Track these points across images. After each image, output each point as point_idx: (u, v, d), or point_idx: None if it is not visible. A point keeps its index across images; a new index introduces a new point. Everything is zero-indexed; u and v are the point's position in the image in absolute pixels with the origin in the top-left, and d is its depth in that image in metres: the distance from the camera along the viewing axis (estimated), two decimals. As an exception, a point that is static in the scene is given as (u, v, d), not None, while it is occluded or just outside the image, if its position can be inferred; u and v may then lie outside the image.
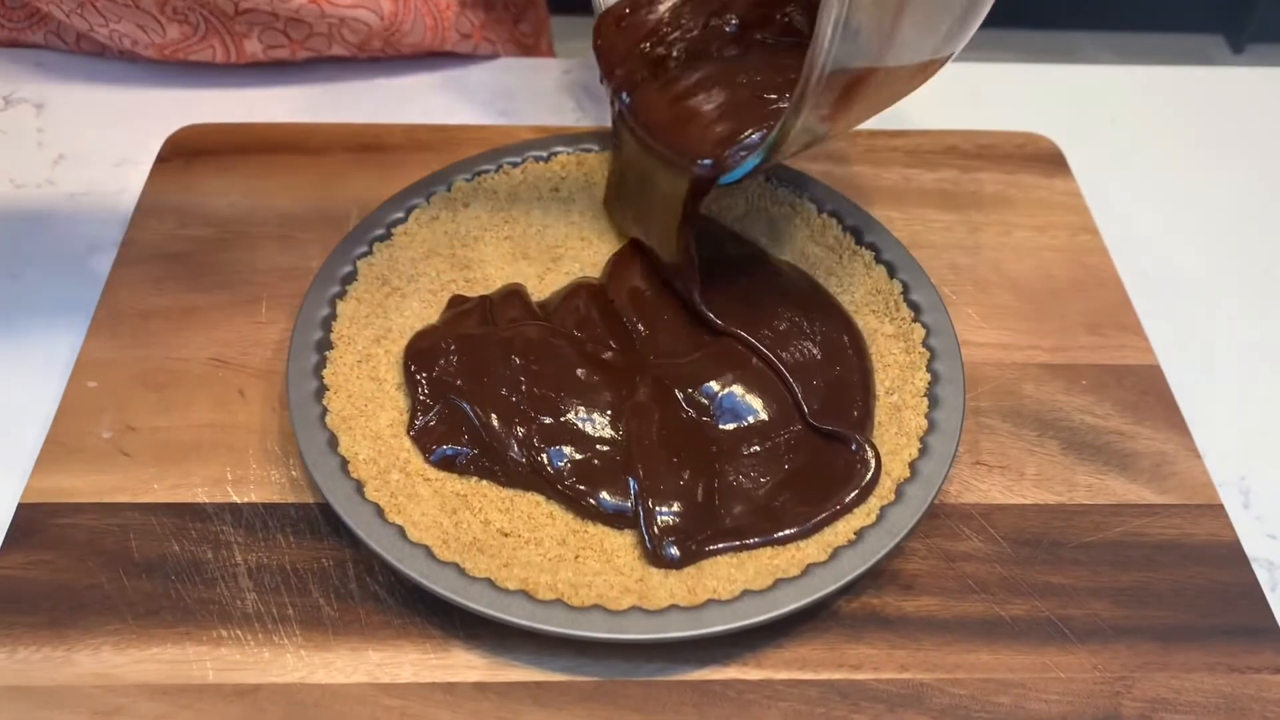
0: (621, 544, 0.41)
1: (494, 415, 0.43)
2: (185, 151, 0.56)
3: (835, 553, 0.39)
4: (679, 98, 0.47)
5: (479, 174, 0.52)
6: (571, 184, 0.53)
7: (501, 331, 0.46)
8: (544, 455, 0.42)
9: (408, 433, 0.43)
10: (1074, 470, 0.45)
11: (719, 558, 0.40)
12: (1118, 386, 0.48)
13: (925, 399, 0.44)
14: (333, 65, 0.63)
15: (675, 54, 0.49)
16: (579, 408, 0.44)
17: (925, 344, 0.45)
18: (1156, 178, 0.60)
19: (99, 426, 0.44)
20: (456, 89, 0.63)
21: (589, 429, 0.43)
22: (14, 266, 0.51)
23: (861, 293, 0.49)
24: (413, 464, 0.42)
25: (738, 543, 0.40)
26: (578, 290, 0.49)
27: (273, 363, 0.47)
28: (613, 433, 0.43)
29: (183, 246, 0.51)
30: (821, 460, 0.43)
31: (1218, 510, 0.44)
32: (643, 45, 0.50)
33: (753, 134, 0.44)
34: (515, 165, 0.52)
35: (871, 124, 0.59)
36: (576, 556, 0.40)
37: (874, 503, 0.41)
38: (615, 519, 0.41)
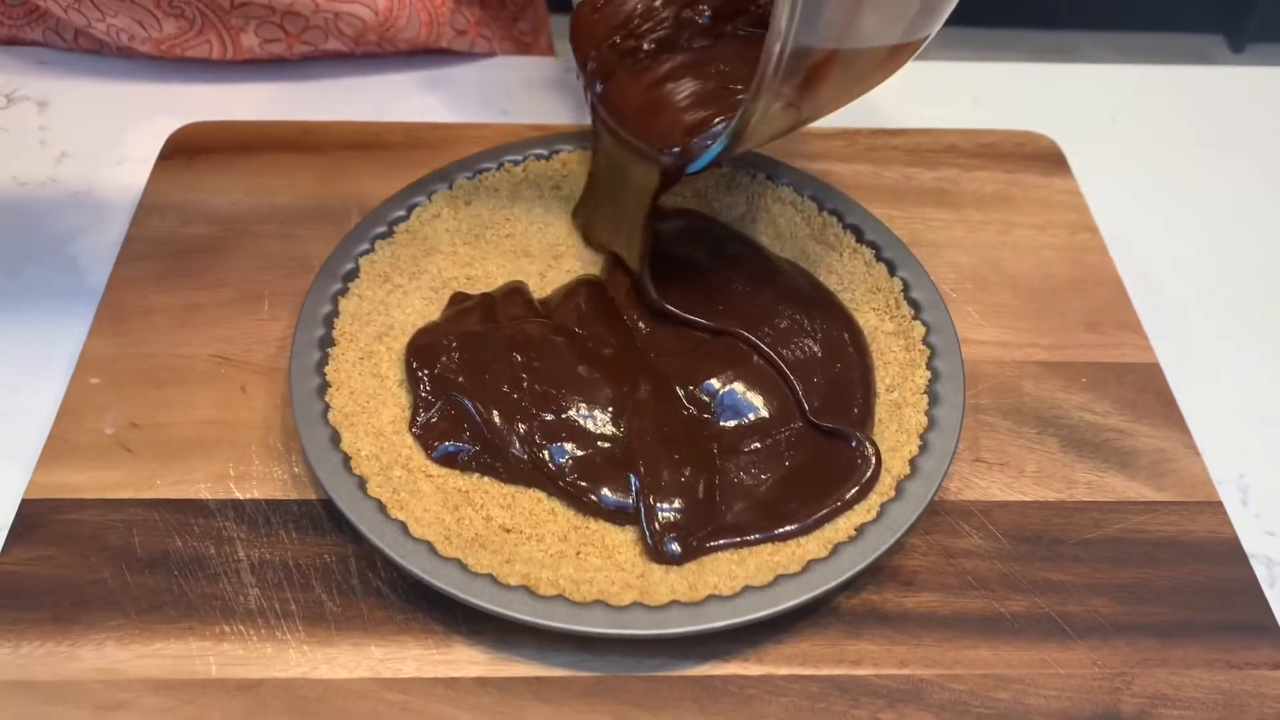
0: (623, 540, 0.41)
1: (495, 412, 0.43)
2: (187, 149, 0.56)
3: (836, 549, 0.39)
4: (649, 88, 0.47)
5: (480, 172, 0.52)
6: (573, 182, 0.53)
7: (503, 329, 0.46)
8: (545, 452, 0.42)
9: (410, 429, 0.43)
10: (1073, 468, 0.45)
11: (720, 554, 0.40)
12: (1117, 384, 0.48)
13: (925, 396, 0.44)
14: (333, 63, 0.63)
15: (647, 45, 0.49)
16: (580, 405, 0.44)
17: (925, 341, 0.46)
18: (1156, 177, 0.60)
19: (102, 423, 0.44)
20: (457, 87, 0.63)
21: (590, 426, 0.43)
22: (17, 264, 0.52)
23: (862, 290, 0.49)
24: (415, 460, 0.42)
25: (738, 539, 0.41)
26: (579, 288, 0.49)
27: (275, 359, 0.47)
28: (614, 429, 0.43)
29: (185, 244, 0.51)
30: (822, 457, 0.43)
31: (1216, 507, 0.44)
32: (616, 36, 0.50)
33: (719, 123, 0.44)
34: (517, 163, 0.53)
35: (872, 123, 0.60)
36: (578, 553, 0.40)
37: (874, 499, 0.41)
38: (616, 515, 0.41)
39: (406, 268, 0.49)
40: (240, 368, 0.47)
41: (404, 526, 0.39)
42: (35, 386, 0.46)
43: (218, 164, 0.55)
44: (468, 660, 0.39)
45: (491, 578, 0.38)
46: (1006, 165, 0.58)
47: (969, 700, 0.38)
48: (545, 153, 0.53)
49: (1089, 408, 0.47)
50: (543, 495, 0.42)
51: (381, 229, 0.49)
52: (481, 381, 0.44)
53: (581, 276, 0.50)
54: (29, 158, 0.57)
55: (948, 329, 0.46)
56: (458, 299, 0.48)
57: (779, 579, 0.38)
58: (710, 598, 0.38)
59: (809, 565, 0.39)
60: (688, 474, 0.42)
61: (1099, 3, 1.85)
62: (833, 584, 0.38)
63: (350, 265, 0.48)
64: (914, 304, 0.47)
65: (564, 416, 0.43)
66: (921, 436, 0.42)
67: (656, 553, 0.40)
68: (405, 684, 0.38)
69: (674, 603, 0.38)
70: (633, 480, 0.42)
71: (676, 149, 0.44)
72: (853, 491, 0.41)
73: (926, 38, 0.41)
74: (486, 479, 0.42)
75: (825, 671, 0.39)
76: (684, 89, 0.47)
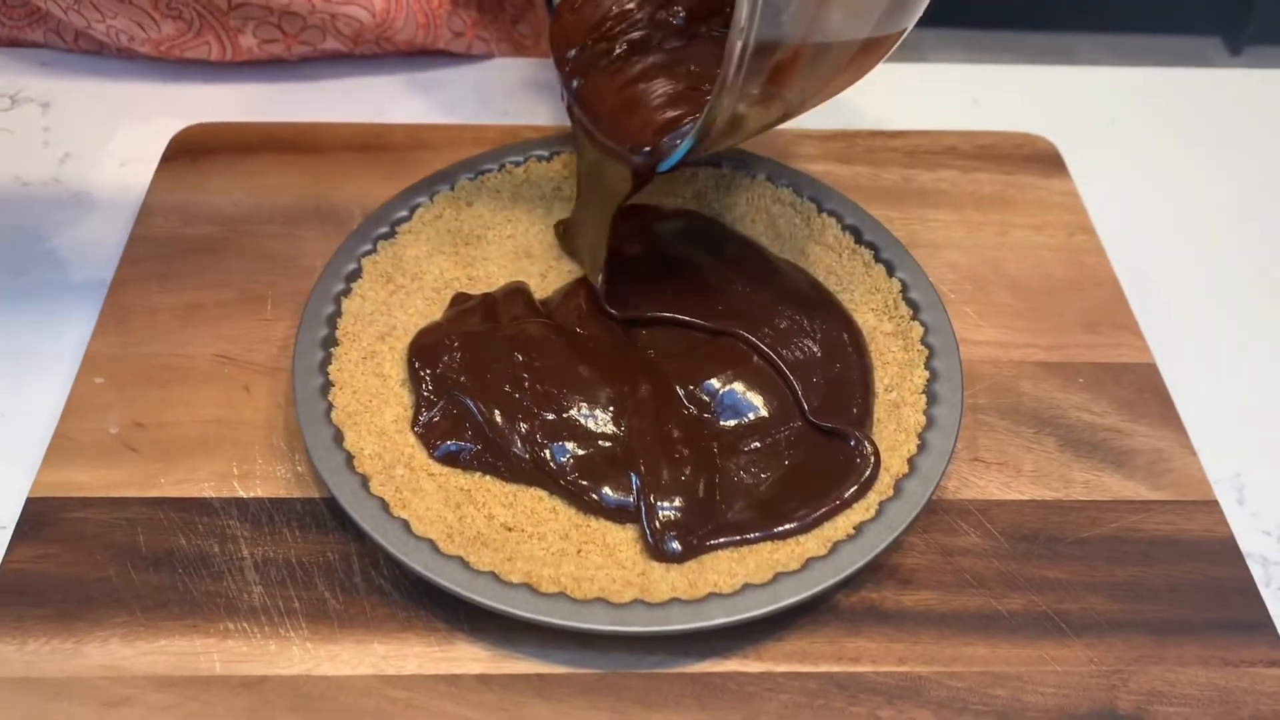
0: (623, 538, 0.41)
1: (497, 411, 0.43)
2: (190, 150, 0.56)
3: (835, 547, 0.39)
4: (621, 89, 0.48)
5: (482, 173, 0.52)
6: (574, 184, 0.53)
7: (504, 329, 0.46)
8: (547, 451, 0.43)
9: (412, 428, 0.44)
10: (1070, 467, 0.45)
11: (720, 552, 0.41)
12: (1114, 384, 0.48)
13: (924, 396, 0.44)
14: (334, 64, 0.63)
15: (622, 46, 0.50)
16: (581, 404, 0.44)
17: (924, 342, 0.46)
18: (1154, 178, 0.60)
19: (106, 422, 0.45)
20: (458, 89, 0.63)
21: (591, 425, 0.44)
22: (20, 264, 0.52)
23: (861, 291, 0.49)
24: (417, 459, 0.43)
25: (738, 537, 0.41)
26: (579, 288, 0.49)
27: (278, 359, 0.47)
28: (614, 429, 0.44)
29: (188, 244, 0.52)
30: (821, 456, 0.44)
31: (1213, 506, 0.44)
32: (592, 36, 0.51)
33: (689, 122, 0.44)
34: (518, 164, 0.53)
35: (871, 125, 0.60)
36: (579, 551, 0.41)
37: (873, 498, 0.41)
38: (617, 514, 0.42)
39: (409, 268, 0.49)
40: (243, 367, 0.47)
41: (406, 525, 0.39)
42: (40, 386, 0.47)
43: (221, 165, 0.56)
44: (470, 657, 0.39)
45: (493, 575, 0.38)
46: (1005, 167, 0.58)
47: (967, 697, 0.38)
48: (546, 154, 0.53)
49: (1086, 407, 0.47)
50: (544, 494, 0.42)
51: (384, 229, 0.49)
52: (483, 381, 0.44)
53: (582, 277, 0.50)
54: (32, 158, 0.58)
55: (946, 329, 0.46)
56: (459, 299, 0.48)
57: (778, 577, 0.38)
58: (710, 595, 0.38)
59: (808, 563, 0.39)
60: (688, 473, 0.42)
61: (1097, 5, 1.85)
62: (832, 582, 0.38)
63: (353, 265, 0.48)
64: (912, 304, 0.47)
65: (565, 416, 0.44)
66: (920, 436, 0.43)
67: (657, 551, 0.40)
68: (408, 681, 0.38)
69: (674, 600, 0.38)
70: (633, 479, 0.42)
71: (647, 148, 0.45)
72: (852, 490, 0.42)
73: (903, 31, 0.40)
74: (488, 478, 0.43)
75: (824, 669, 0.39)
76: (656, 89, 0.47)
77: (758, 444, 0.44)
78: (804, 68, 0.39)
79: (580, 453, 0.43)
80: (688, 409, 0.45)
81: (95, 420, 0.45)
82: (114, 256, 0.51)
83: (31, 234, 0.54)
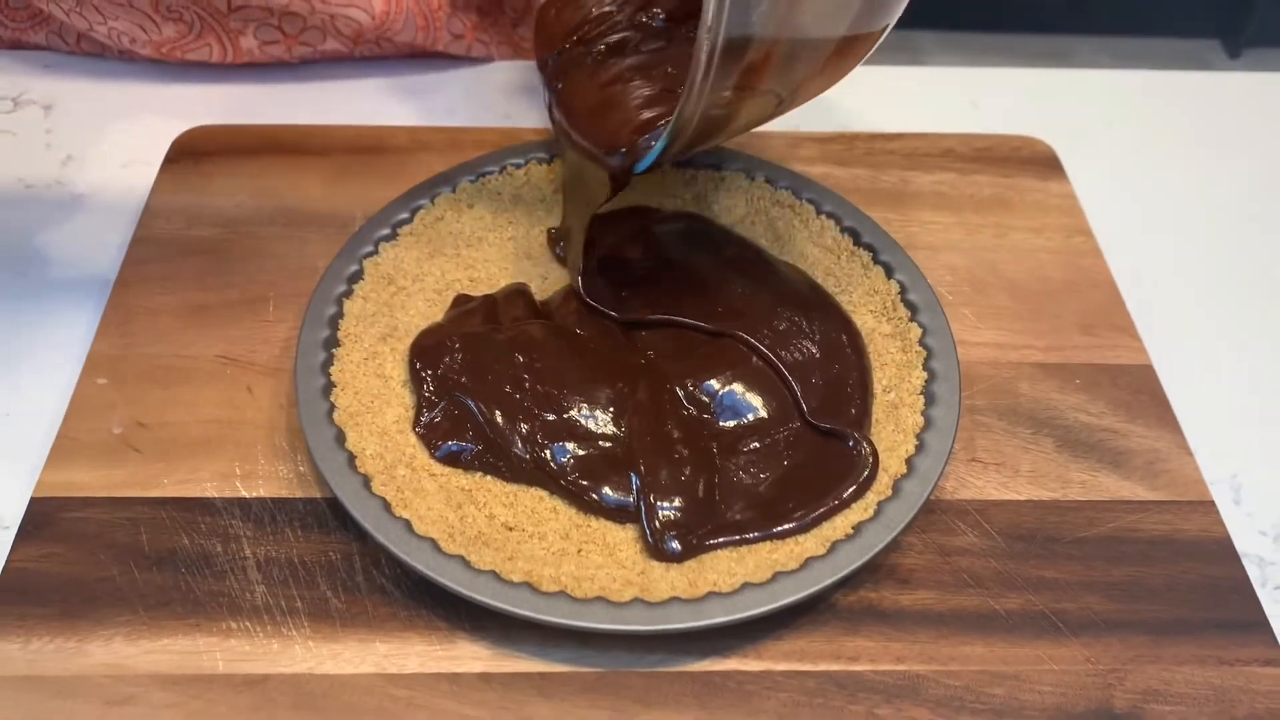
0: (623, 538, 0.41)
1: (498, 412, 0.44)
2: (193, 153, 0.57)
3: (833, 547, 0.40)
4: (599, 90, 0.48)
5: (483, 175, 0.53)
6: (574, 185, 0.53)
7: (505, 330, 0.46)
8: (547, 451, 0.43)
9: (413, 429, 0.44)
10: (1068, 467, 0.45)
11: (719, 552, 0.41)
12: (1111, 385, 0.48)
13: (922, 397, 0.44)
14: (336, 66, 0.64)
15: (600, 48, 0.50)
16: (581, 405, 0.44)
17: (922, 343, 0.46)
18: (1152, 181, 0.60)
19: (109, 422, 0.45)
20: (458, 92, 0.64)
21: (591, 426, 0.44)
22: (24, 265, 0.52)
23: (859, 293, 0.49)
24: (419, 459, 0.43)
25: (737, 537, 0.41)
26: (580, 290, 0.49)
27: (280, 360, 0.48)
28: (614, 429, 0.44)
29: (191, 246, 0.52)
30: (820, 457, 0.44)
31: (1209, 507, 0.44)
32: (572, 38, 0.51)
33: (664, 123, 0.45)
34: (519, 167, 0.53)
35: (870, 127, 0.61)
36: (579, 550, 0.41)
37: (871, 498, 0.42)
38: (617, 514, 0.42)
39: (410, 270, 0.50)
40: (246, 368, 0.47)
41: (408, 524, 0.40)
42: (43, 387, 0.47)
43: (223, 167, 0.56)
44: (471, 656, 0.39)
45: (494, 574, 0.38)
46: (1003, 170, 0.58)
47: (964, 696, 0.39)
48: (547, 157, 0.54)
49: (1083, 408, 0.48)
50: (544, 494, 0.43)
51: (385, 231, 0.50)
52: (484, 382, 0.44)
53: (582, 279, 0.50)
54: (35, 161, 0.58)
55: (944, 331, 0.46)
56: (460, 301, 0.49)
57: (778, 576, 0.39)
58: (710, 594, 0.38)
59: (807, 563, 0.39)
60: (688, 473, 0.43)
61: (1096, 8, 1.85)
62: (830, 581, 0.39)
63: (355, 267, 0.48)
64: (911, 306, 0.48)
65: (565, 416, 0.44)
66: (918, 436, 0.43)
67: (657, 550, 0.41)
68: (409, 679, 0.38)
69: (674, 599, 0.38)
70: (633, 479, 0.42)
71: (623, 149, 0.45)
72: (850, 490, 0.42)
73: (883, 30, 0.40)
74: (489, 478, 0.43)
75: (823, 667, 0.39)
76: (634, 91, 0.47)
77: (757, 444, 0.44)
78: (777, 67, 0.38)
79: (580, 453, 0.43)
80: (687, 410, 0.45)
81: (98, 420, 0.45)
82: (116, 258, 0.52)
83: (34, 236, 0.54)
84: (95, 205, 0.55)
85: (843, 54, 0.40)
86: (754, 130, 0.56)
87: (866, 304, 0.49)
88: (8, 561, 0.41)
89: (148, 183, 0.55)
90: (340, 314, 0.46)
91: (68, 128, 0.60)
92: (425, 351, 0.46)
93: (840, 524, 0.41)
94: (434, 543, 0.39)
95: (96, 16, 0.59)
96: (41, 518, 0.42)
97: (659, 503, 0.41)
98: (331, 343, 0.45)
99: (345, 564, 0.41)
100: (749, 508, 0.42)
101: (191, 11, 0.59)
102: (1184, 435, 0.47)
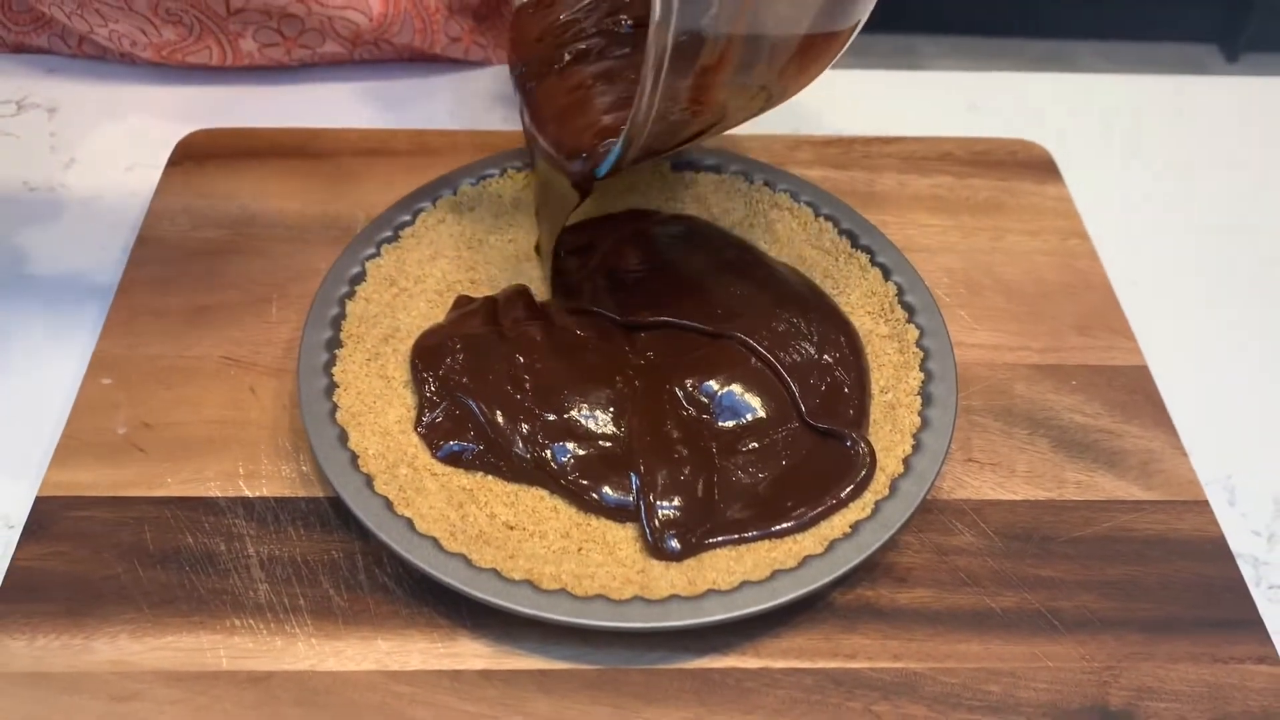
0: (623, 537, 0.42)
1: (499, 412, 0.44)
2: (196, 155, 0.57)
3: (831, 545, 0.40)
4: (563, 95, 0.48)
5: (484, 178, 0.53)
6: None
7: (506, 331, 0.47)
8: (548, 451, 0.43)
9: (415, 429, 0.44)
10: (1064, 467, 0.46)
11: (718, 550, 0.41)
12: (1107, 386, 0.49)
13: (919, 397, 0.45)
14: (336, 68, 0.64)
15: (568, 53, 0.50)
16: (581, 405, 0.45)
17: (919, 344, 0.47)
18: (1149, 185, 0.61)
19: (114, 422, 0.45)
20: (459, 95, 0.64)
21: (591, 426, 0.44)
22: (28, 268, 0.53)
23: (857, 294, 0.50)
24: (420, 459, 0.43)
25: (736, 536, 0.41)
26: (580, 292, 0.50)
27: (283, 361, 0.48)
28: (614, 429, 0.44)
29: (194, 248, 0.52)
30: (818, 457, 0.44)
31: (1203, 506, 0.45)
32: (542, 43, 0.51)
33: (624, 127, 0.45)
34: (519, 169, 0.54)
35: (868, 130, 0.61)
36: (580, 549, 0.41)
37: (869, 498, 0.42)
38: (617, 513, 0.42)
39: (412, 272, 0.50)
40: (249, 369, 0.48)
41: (410, 523, 0.40)
42: (48, 387, 0.47)
43: (226, 169, 0.56)
44: (472, 653, 0.39)
45: (495, 573, 0.39)
46: (1000, 173, 0.59)
47: (960, 693, 0.39)
48: (547, 159, 0.54)
49: (1079, 409, 0.48)
50: (545, 493, 0.43)
51: (387, 234, 0.50)
52: (485, 382, 0.45)
53: (583, 280, 0.51)
54: (39, 163, 0.58)
55: (941, 332, 0.47)
56: (462, 302, 0.49)
57: (776, 574, 0.39)
58: (709, 592, 0.39)
59: (805, 561, 0.39)
60: (687, 473, 0.43)
61: (1094, 12, 1.86)
62: (828, 579, 0.39)
63: (357, 269, 0.49)
64: (908, 308, 0.48)
65: (566, 416, 0.44)
66: (915, 436, 0.43)
67: (656, 549, 0.41)
68: (411, 676, 0.39)
69: (673, 597, 0.39)
70: (633, 479, 0.43)
71: (584, 154, 0.45)
72: (848, 490, 0.42)
73: (852, 29, 0.39)
74: (490, 477, 0.43)
75: (821, 665, 0.40)
76: (596, 97, 0.48)
77: (755, 444, 0.45)
78: (734, 68, 0.38)
79: (581, 453, 0.43)
80: (686, 410, 0.45)
81: (103, 420, 0.45)
82: (120, 260, 0.52)
83: (39, 238, 0.54)
84: (99, 207, 0.56)
85: (811, 52, 0.40)
86: (753, 133, 0.57)
87: (864, 305, 0.49)
88: (14, 560, 0.41)
89: (151, 185, 0.56)
90: (342, 315, 0.47)
91: (71, 130, 0.60)
92: (427, 352, 0.46)
93: (838, 523, 0.41)
94: (435, 541, 0.39)
95: (97, 19, 0.59)
96: (47, 517, 0.42)
97: (658, 502, 0.42)
98: (334, 343, 0.46)
99: (348, 562, 0.42)
100: (748, 507, 0.43)
101: (191, 14, 0.59)
102: (1179, 436, 0.47)
